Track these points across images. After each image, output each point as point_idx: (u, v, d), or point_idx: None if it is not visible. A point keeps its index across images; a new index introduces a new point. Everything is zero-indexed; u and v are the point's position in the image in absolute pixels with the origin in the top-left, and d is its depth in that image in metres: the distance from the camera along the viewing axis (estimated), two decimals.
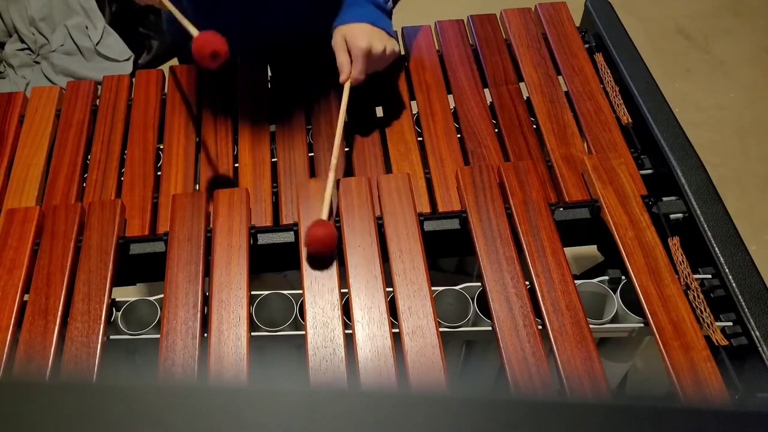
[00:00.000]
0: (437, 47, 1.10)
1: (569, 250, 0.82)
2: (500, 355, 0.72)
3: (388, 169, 0.94)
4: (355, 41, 0.87)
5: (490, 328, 0.75)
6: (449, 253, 1.11)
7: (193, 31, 0.79)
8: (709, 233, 0.82)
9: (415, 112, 1.01)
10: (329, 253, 0.78)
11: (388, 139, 0.96)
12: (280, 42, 1.07)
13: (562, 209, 0.87)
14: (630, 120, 0.98)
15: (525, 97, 1.02)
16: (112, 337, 0.79)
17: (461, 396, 0.28)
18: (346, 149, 0.97)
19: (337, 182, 0.86)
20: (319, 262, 0.78)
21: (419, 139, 0.97)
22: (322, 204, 0.81)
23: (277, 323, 0.79)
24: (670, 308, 0.74)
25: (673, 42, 2.32)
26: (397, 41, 0.97)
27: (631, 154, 0.93)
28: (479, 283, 0.79)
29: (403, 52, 1.10)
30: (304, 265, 0.79)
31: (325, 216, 0.80)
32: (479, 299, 0.80)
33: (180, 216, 0.84)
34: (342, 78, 0.89)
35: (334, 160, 0.83)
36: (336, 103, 1.01)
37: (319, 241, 0.76)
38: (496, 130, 0.98)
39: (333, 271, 0.78)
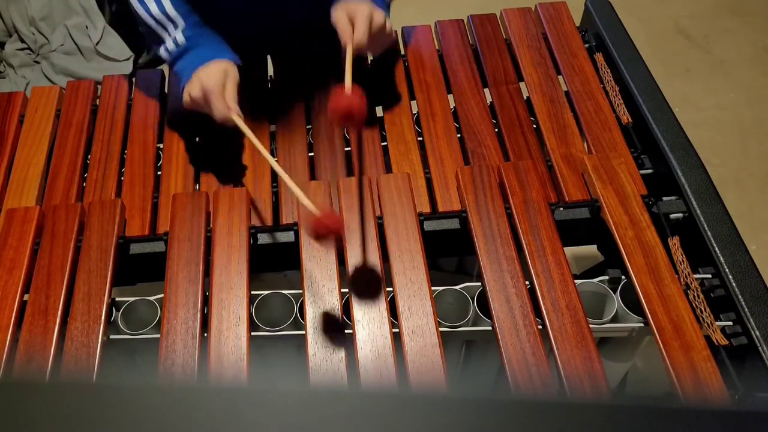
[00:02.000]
0: (437, 47, 1.10)
1: (569, 250, 0.82)
2: (500, 354, 0.72)
3: (388, 169, 0.94)
4: (356, 9, 0.87)
5: (490, 328, 0.75)
6: (449, 253, 1.11)
7: (314, 210, 0.73)
8: (709, 233, 0.82)
9: (415, 111, 1.01)
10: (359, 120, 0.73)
11: (388, 138, 0.96)
12: (280, 28, 1.06)
13: (562, 209, 0.87)
14: (630, 120, 0.97)
15: (525, 97, 1.02)
16: (112, 336, 0.79)
17: (461, 396, 0.28)
18: (346, 149, 0.97)
19: (332, 182, 0.85)
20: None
21: (419, 138, 0.97)
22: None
23: (277, 323, 0.79)
24: (670, 308, 0.74)
25: (673, 42, 2.32)
26: (397, 39, 0.97)
27: (631, 154, 0.93)
28: (479, 283, 0.79)
29: (403, 52, 1.10)
30: (305, 264, 0.79)
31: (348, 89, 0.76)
32: (479, 299, 0.80)
33: (180, 216, 0.84)
34: (343, 39, 0.87)
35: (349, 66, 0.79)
36: None
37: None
38: (496, 130, 0.98)
39: (333, 271, 0.78)
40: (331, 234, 0.70)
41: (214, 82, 0.85)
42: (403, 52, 1.09)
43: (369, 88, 1.00)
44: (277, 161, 0.95)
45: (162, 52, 0.93)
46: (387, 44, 0.94)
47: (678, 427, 0.27)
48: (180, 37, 0.91)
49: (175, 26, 0.91)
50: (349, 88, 0.79)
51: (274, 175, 0.93)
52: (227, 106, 0.85)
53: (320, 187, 0.85)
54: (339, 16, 0.89)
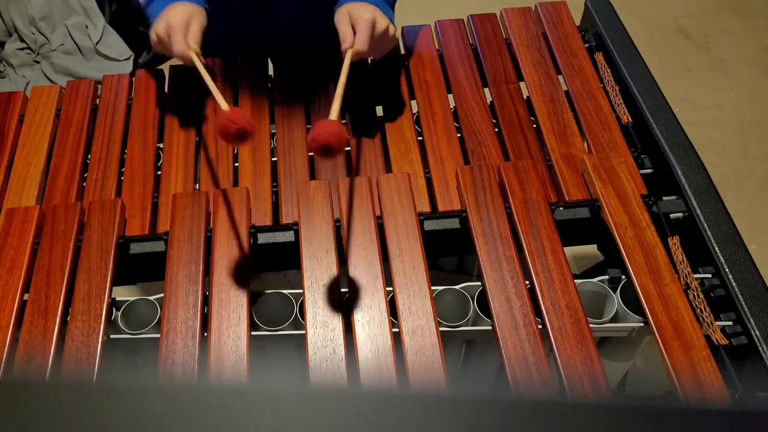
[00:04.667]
0: (437, 47, 1.10)
1: (569, 250, 0.82)
2: (500, 354, 0.72)
3: (388, 169, 0.94)
4: (360, 13, 0.87)
5: (490, 328, 0.75)
6: (449, 253, 1.11)
7: (223, 105, 0.76)
8: (709, 233, 0.82)
9: (415, 111, 1.01)
10: (338, 149, 0.69)
11: (388, 138, 0.96)
12: (288, 42, 1.07)
13: (562, 209, 0.87)
14: (630, 119, 0.97)
15: (525, 97, 1.02)
16: (112, 336, 0.79)
17: (461, 395, 0.28)
18: (346, 148, 0.97)
19: (337, 184, 0.85)
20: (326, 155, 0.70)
21: (419, 138, 0.97)
22: (322, 209, 0.81)
23: (277, 323, 0.79)
24: (670, 308, 0.74)
25: (673, 41, 2.32)
26: (398, 42, 0.97)
27: (631, 154, 0.93)
28: (479, 283, 0.79)
29: (403, 52, 1.10)
30: (305, 264, 0.79)
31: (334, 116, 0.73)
32: (479, 299, 0.80)
33: (180, 215, 0.84)
34: (344, 45, 0.87)
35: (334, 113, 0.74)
36: None
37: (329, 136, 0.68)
38: (496, 130, 0.98)
39: (333, 270, 0.78)
40: (237, 131, 0.70)
41: (179, 20, 0.89)
42: (403, 52, 1.09)
43: (369, 88, 1.01)
44: (275, 159, 0.95)
45: None
46: (389, 48, 0.93)
47: (678, 427, 0.27)
48: None
49: None
50: (340, 95, 0.78)
51: (274, 175, 0.93)
52: (187, 44, 0.88)
53: (320, 187, 0.85)
54: (341, 19, 0.89)
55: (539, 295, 0.75)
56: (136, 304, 0.82)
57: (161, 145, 0.99)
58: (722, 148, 1.97)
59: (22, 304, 0.78)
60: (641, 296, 0.75)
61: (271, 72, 1.09)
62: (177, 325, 0.75)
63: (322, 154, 0.69)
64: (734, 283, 0.77)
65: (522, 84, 1.04)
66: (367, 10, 0.87)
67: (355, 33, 0.87)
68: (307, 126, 1.00)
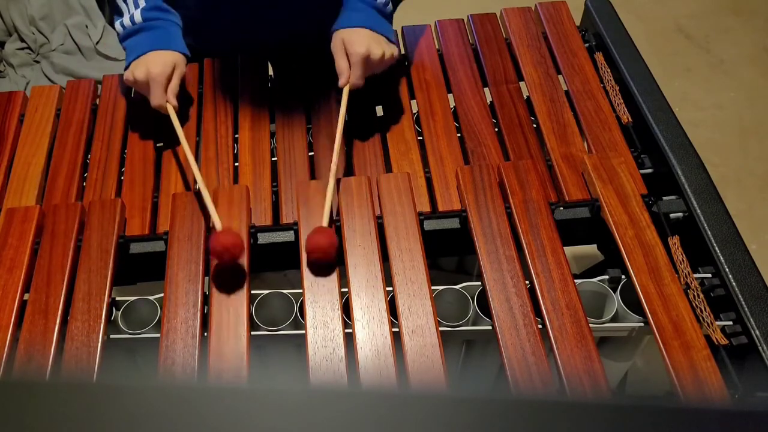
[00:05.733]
0: (437, 46, 1.10)
1: (569, 250, 0.82)
2: (500, 354, 0.72)
3: (388, 169, 0.94)
4: (353, 47, 0.87)
5: (490, 328, 0.75)
6: (449, 253, 1.11)
7: (218, 224, 0.78)
8: (709, 232, 0.82)
9: (415, 111, 1.01)
10: (329, 260, 0.77)
11: (388, 138, 0.96)
12: (284, 41, 1.07)
13: (562, 208, 0.87)
14: (630, 119, 0.97)
15: (525, 97, 1.02)
16: (112, 336, 0.79)
17: (461, 395, 0.28)
18: (346, 148, 0.97)
19: (337, 183, 0.86)
20: (319, 269, 0.78)
21: (419, 138, 0.97)
22: (322, 210, 0.80)
23: (277, 322, 0.79)
24: (670, 307, 0.74)
25: (673, 41, 2.32)
26: (398, 43, 0.97)
27: (631, 154, 0.93)
28: (479, 283, 0.79)
29: (403, 52, 1.10)
30: (304, 264, 0.79)
31: (325, 222, 0.79)
32: (479, 298, 0.80)
33: (180, 215, 0.84)
34: (341, 82, 0.89)
35: (333, 167, 0.83)
36: (336, 103, 1.01)
37: (320, 249, 0.76)
38: (496, 130, 0.98)
39: (333, 270, 0.78)
40: (226, 252, 0.75)
41: (161, 71, 0.90)
42: (403, 52, 1.09)
43: (369, 88, 1.01)
44: (275, 159, 0.95)
45: (117, 25, 0.96)
46: (389, 65, 0.94)
47: (678, 427, 0.27)
48: (138, 17, 0.93)
49: (136, 5, 0.94)
50: (342, 123, 0.84)
51: (274, 175, 0.93)
52: (166, 98, 0.91)
53: (320, 187, 0.85)
54: (336, 49, 0.90)
55: (539, 295, 0.75)
56: (136, 304, 0.82)
57: (161, 145, 0.99)
58: (722, 148, 1.97)
59: (22, 304, 0.78)
60: (641, 296, 0.75)
61: (271, 72, 1.09)
62: (177, 325, 0.75)
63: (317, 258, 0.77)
64: (734, 283, 0.77)
65: (522, 84, 1.04)
66: (361, 42, 0.87)
67: (350, 65, 0.88)
68: (307, 125, 1.00)
